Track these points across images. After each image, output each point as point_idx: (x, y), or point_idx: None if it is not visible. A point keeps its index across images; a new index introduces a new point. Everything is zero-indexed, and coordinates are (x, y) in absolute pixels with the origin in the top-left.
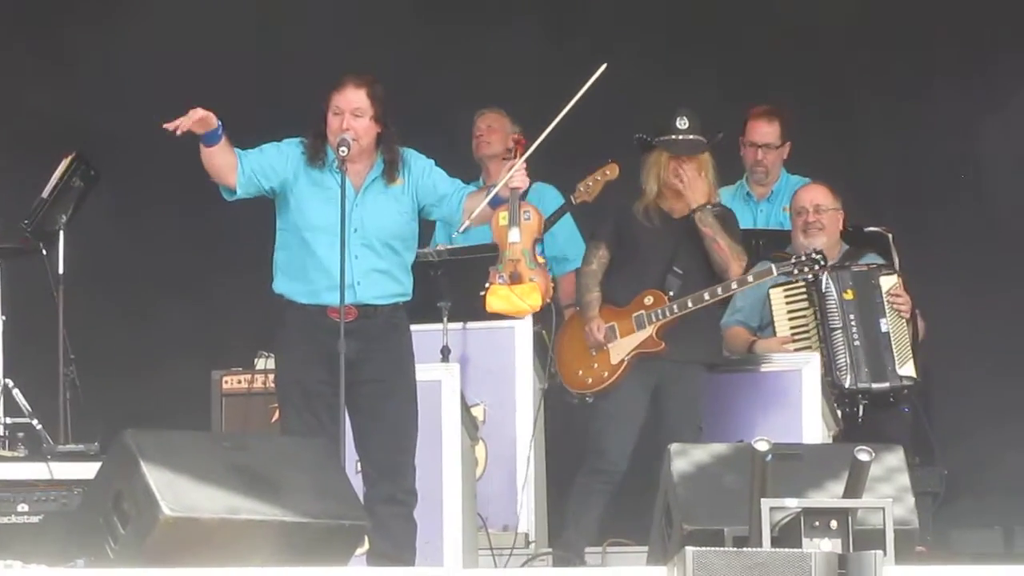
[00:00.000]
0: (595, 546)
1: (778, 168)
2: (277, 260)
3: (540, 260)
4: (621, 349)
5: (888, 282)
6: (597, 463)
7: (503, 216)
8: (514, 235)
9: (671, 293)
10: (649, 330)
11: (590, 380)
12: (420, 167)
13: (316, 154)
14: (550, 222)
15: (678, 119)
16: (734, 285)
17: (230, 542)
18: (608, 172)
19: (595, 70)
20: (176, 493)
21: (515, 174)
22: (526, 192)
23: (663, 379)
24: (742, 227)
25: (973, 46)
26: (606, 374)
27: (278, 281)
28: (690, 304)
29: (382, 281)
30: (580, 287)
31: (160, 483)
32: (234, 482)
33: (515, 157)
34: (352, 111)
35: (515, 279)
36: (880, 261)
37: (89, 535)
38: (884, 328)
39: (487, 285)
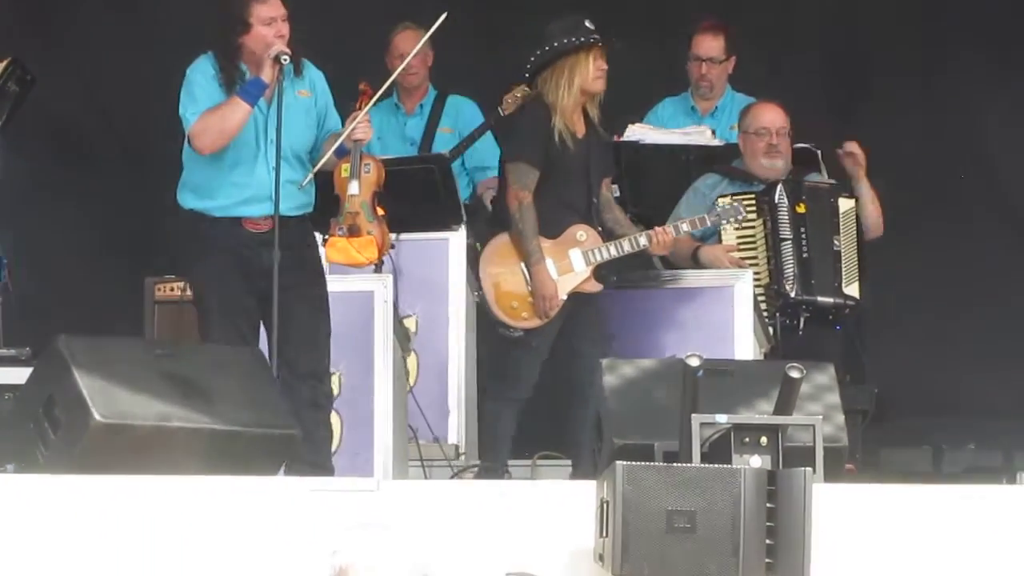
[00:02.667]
0: (524, 460)
1: (723, 83)
2: (187, 175)
3: (380, 212)
4: (561, 289)
5: (846, 204)
6: (512, 391)
7: (345, 168)
8: (353, 187)
9: (599, 228)
10: (587, 271)
11: (525, 315)
12: (323, 87)
13: (232, 77)
14: (472, 139)
15: (585, 21)
16: (684, 227)
17: (161, 450)
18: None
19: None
20: (108, 400)
21: (358, 125)
22: (441, 106)
23: (576, 303)
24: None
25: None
26: (550, 313)
27: (187, 196)
28: (626, 248)
29: (295, 193)
30: (525, 223)
31: (92, 389)
32: (166, 390)
33: (358, 107)
34: (282, 17)
35: (353, 232)
36: (824, 179)
37: (19, 441)
38: (836, 246)
39: (326, 236)
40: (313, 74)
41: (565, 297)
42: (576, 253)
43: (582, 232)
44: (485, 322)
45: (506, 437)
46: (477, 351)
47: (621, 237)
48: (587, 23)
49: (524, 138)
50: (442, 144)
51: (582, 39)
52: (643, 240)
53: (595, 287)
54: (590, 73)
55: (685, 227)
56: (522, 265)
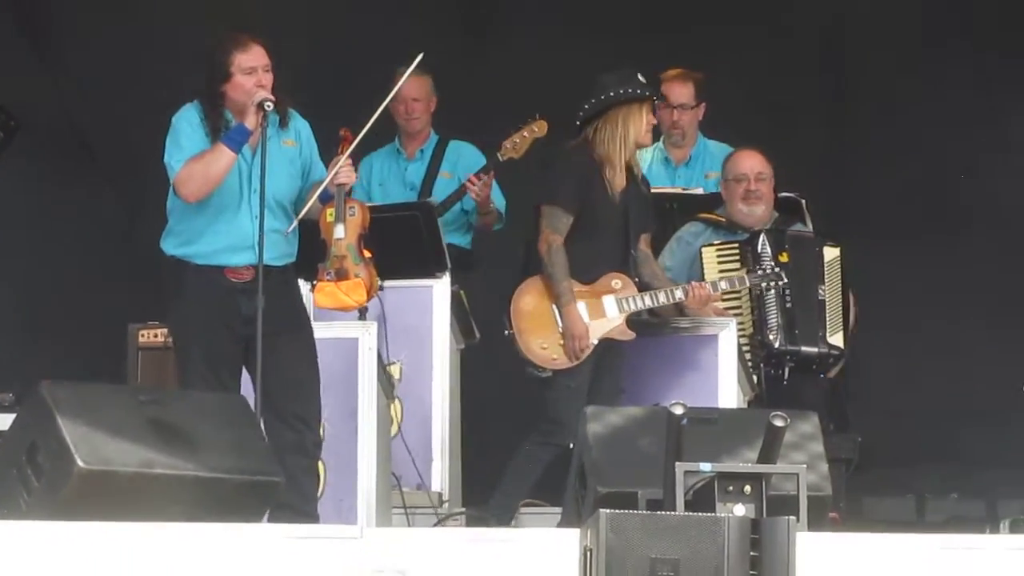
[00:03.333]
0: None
1: (694, 129)
2: (172, 223)
3: (367, 254)
4: (592, 333)
5: (831, 253)
6: (553, 435)
7: (330, 213)
8: (339, 231)
9: (636, 278)
10: (620, 318)
11: (555, 358)
12: (307, 135)
13: (217, 125)
14: (461, 193)
15: (638, 75)
16: (723, 284)
17: (145, 496)
18: (536, 129)
19: (413, 59)
20: (91, 446)
21: (340, 170)
22: (442, 151)
23: (604, 349)
24: (658, 189)
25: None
26: (581, 355)
27: (171, 244)
28: (661, 299)
29: (279, 243)
30: (556, 265)
31: (75, 436)
32: (150, 436)
33: (340, 152)
34: (263, 67)
35: (341, 275)
36: (807, 229)
37: (2, 487)
38: (820, 296)
39: (314, 282)
40: (299, 124)
41: (596, 341)
42: (610, 300)
43: (617, 280)
44: (472, 376)
45: (528, 482)
46: (461, 398)
47: (656, 289)
48: (640, 76)
49: (561, 183)
50: (442, 189)
51: (638, 91)
52: (679, 293)
53: (627, 335)
54: (643, 126)
55: (723, 284)
56: (553, 307)
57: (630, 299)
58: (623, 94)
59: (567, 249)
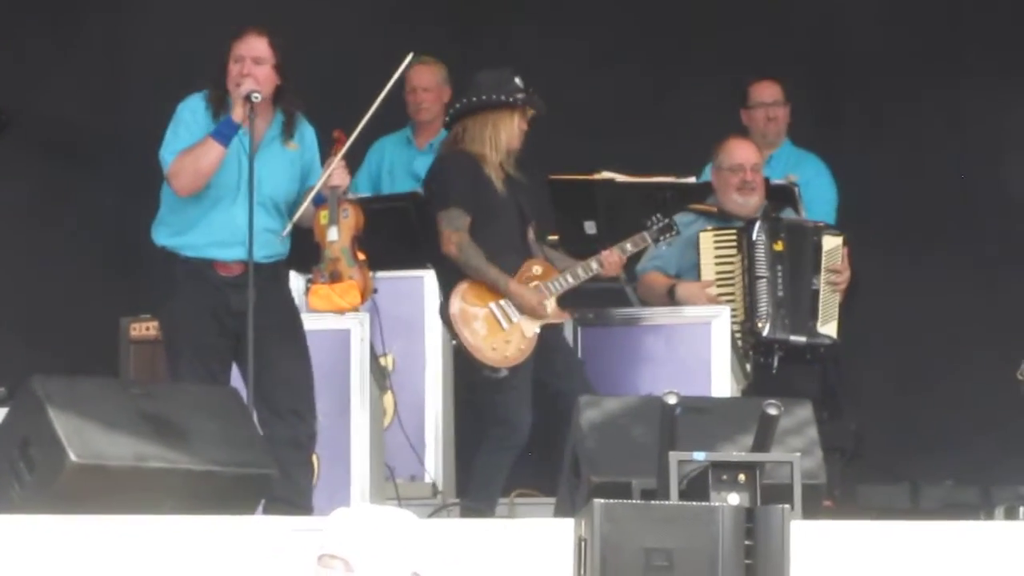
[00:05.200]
0: (503, 497)
1: (784, 128)
2: (164, 212)
3: (361, 256)
4: (533, 321)
5: (831, 242)
6: (508, 439)
7: (324, 215)
8: (332, 234)
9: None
10: (551, 301)
11: (508, 354)
12: (311, 140)
13: (220, 107)
14: None
15: (515, 78)
16: (628, 246)
17: (137, 490)
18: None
19: (402, 60)
20: (83, 440)
21: (334, 172)
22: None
23: (545, 337)
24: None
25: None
26: (523, 347)
27: (162, 234)
28: (581, 275)
29: (271, 242)
30: (472, 258)
31: (67, 429)
32: (142, 429)
33: (333, 154)
34: (253, 58)
35: (335, 278)
36: (795, 216)
37: None
38: (815, 285)
39: (309, 284)
40: (304, 128)
41: (538, 330)
42: (539, 287)
43: (537, 267)
44: (462, 365)
45: (501, 483)
46: (455, 391)
47: (572, 266)
48: (517, 80)
49: (451, 185)
50: None
51: (511, 99)
52: (594, 265)
53: (563, 316)
54: (514, 131)
55: (628, 246)
56: (491, 306)
57: (555, 281)
58: (495, 100)
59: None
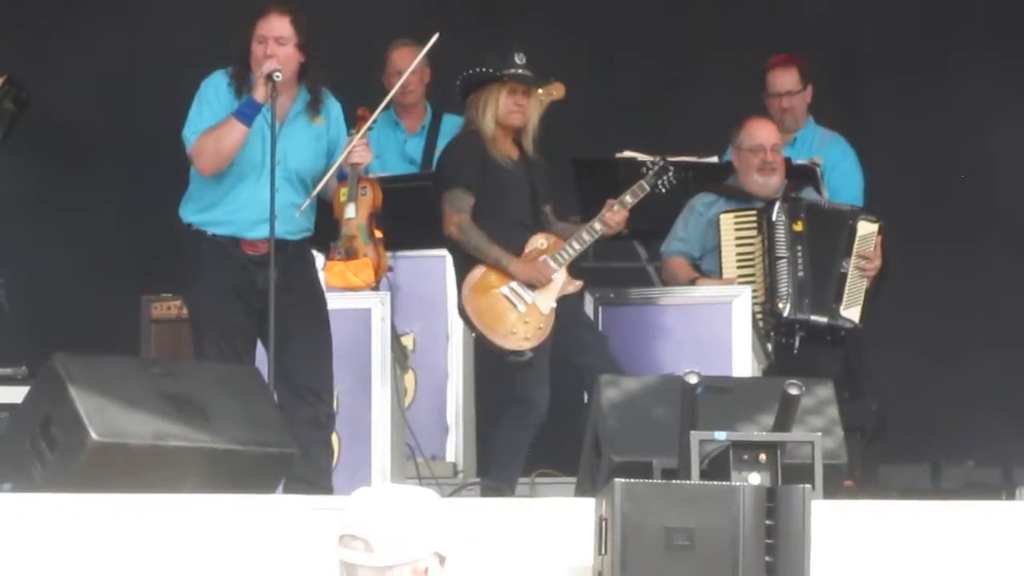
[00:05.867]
0: (524, 477)
1: (804, 114)
2: (192, 189)
3: (378, 234)
4: (548, 297)
5: (866, 228)
6: (527, 417)
7: (343, 192)
8: (350, 211)
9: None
10: (562, 272)
11: (529, 335)
12: (337, 115)
13: (243, 85)
14: None
15: (516, 55)
16: (627, 198)
17: (158, 468)
18: (554, 92)
19: (429, 39)
20: (104, 418)
21: (355, 149)
22: (438, 125)
23: (562, 310)
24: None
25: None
26: (542, 325)
27: (189, 211)
28: (586, 238)
29: (296, 216)
30: (473, 239)
31: (89, 408)
32: (163, 408)
33: (355, 132)
34: (276, 38)
35: (350, 255)
36: (815, 195)
37: (16, 460)
38: (843, 268)
39: (326, 261)
40: (331, 104)
41: (555, 304)
42: (547, 259)
43: (542, 240)
44: (484, 349)
45: (520, 462)
46: (475, 371)
47: (579, 232)
48: (517, 56)
49: (455, 165)
50: None
51: (497, 72)
52: (598, 225)
53: (576, 285)
54: (500, 107)
55: (628, 198)
56: (502, 290)
57: (563, 251)
58: (482, 73)
59: (489, 230)
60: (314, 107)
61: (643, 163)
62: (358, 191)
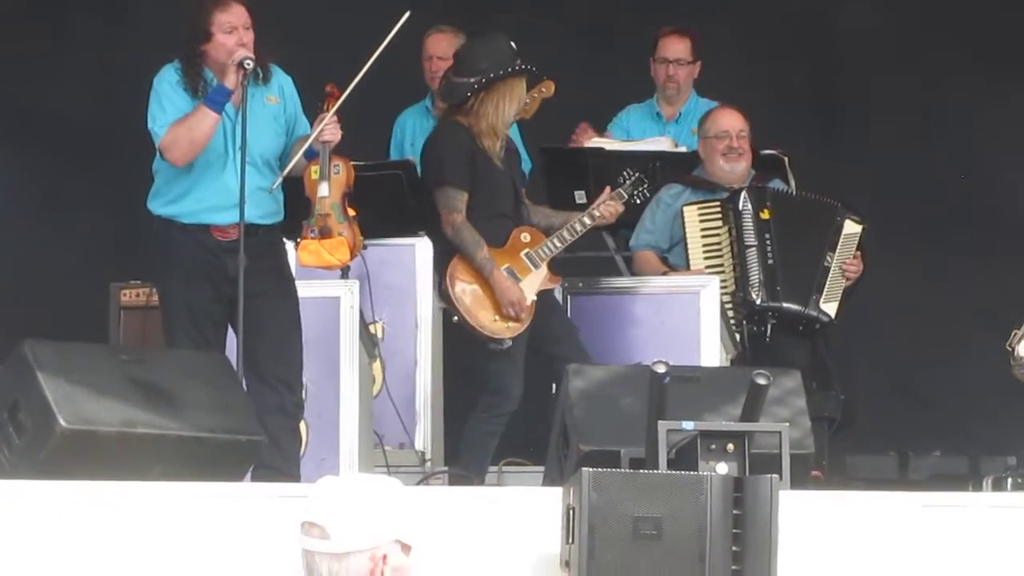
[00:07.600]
0: (492, 466)
1: (688, 86)
2: (158, 183)
3: (351, 212)
4: (528, 289)
5: (852, 227)
6: (500, 406)
7: (314, 170)
8: (323, 189)
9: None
10: (543, 267)
11: (510, 324)
12: (290, 91)
13: (196, 85)
14: None
15: (511, 42)
16: (596, 212)
17: (127, 455)
18: (544, 90)
19: (399, 18)
20: (73, 405)
21: (326, 127)
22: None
23: (541, 303)
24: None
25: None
26: (523, 315)
27: (157, 204)
28: (567, 236)
29: (265, 200)
30: (466, 241)
31: (57, 395)
32: (132, 395)
33: (326, 109)
34: (244, 25)
35: (324, 233)
36: (783, 185)
37: None
38: (828, 263)
39: (298, 240)
40: (282, 79)
41: (535, 297)
42: (529, 254)
43: (526, 234)
44: (453, 334)
45: (491, 451)
46: (444, 359)
47: (561, 227)
48: (512, 44)
49: (447, 163)
50: None
51: (518, 67)
52: (587, 220)
53: (556, 281)
54: (524, 98)
55: (622, 192)
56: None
57: (545, 246)
58: (506, 73)
59: (475, 224)
60: (264, 77)
61: (618, 168)
62: (330, 169)
